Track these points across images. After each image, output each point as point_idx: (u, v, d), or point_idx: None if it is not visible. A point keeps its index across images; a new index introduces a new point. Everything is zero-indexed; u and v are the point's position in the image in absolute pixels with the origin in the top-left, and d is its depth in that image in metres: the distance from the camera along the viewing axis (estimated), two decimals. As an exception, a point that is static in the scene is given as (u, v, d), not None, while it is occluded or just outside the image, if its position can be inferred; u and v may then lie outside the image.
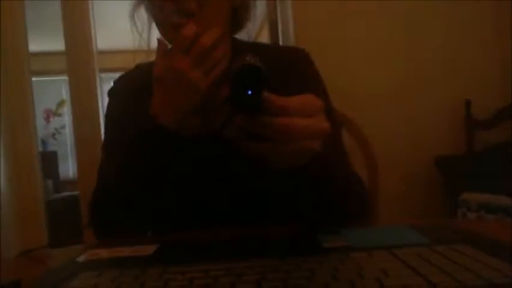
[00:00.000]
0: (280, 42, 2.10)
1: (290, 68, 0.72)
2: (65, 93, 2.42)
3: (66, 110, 4.34)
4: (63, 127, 4.45)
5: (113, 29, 1.94)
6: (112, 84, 0.84)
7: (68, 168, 4.27)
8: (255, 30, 4.65)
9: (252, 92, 0.38)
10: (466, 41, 2.03)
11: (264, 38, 3.17)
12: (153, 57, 0.71)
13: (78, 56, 1.97)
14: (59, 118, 4.51)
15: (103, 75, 2.07)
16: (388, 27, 1.99)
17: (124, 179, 0.63)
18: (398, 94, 1.99)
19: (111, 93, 0.83)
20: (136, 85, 0.75)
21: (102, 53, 2.03)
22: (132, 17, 0.73)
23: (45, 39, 3.19)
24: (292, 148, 0.43)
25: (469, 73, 2.02)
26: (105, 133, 0.80)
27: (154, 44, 0.71)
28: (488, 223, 0.93)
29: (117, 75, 0.86)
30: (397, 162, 1.92)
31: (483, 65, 2.03)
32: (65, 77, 2.00)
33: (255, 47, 0.76)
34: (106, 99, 0.85)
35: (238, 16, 0.75)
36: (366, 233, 0.51)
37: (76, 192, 2.21)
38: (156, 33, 0.71)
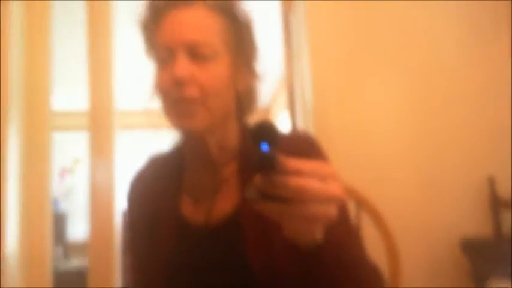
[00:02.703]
0: (297, 107, 2.10)
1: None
2: (79, 151, 2.44)
3: (79, 168, 4.36)
4: (76, 186, 4.44)
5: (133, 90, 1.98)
6: (130, 186, 0.85)
7: (79, 229, 4.11)
8: (272, 93, 4.73)
9: (267, 147, 0.41)
10: (489, 114, 1.96)
11: (282, 100, 3.20)
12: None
13: (99, 114, 1.99)
14: (72, 176, 4.53)
15: (120, 133, 2.08)
16: (408, 100, 1.95)
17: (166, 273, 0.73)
18: (417, 170, 1.89)
19: (130, 198, 0.84)
20: (156, 186, 0.80)
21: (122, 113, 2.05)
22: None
23: (65, 97, 3.30)
24: (307, 211, 0.43)
25: (492, 147, 1.93)
26: (131, 236, 0.82)
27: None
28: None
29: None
30: (418, 247, 1.79)
31: (507, 138, 1.96)
32: (79, 134, 2.01)
33: None
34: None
35: (243, 101, 0.78)
36: None
37: (85, 264, 2.12)
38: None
